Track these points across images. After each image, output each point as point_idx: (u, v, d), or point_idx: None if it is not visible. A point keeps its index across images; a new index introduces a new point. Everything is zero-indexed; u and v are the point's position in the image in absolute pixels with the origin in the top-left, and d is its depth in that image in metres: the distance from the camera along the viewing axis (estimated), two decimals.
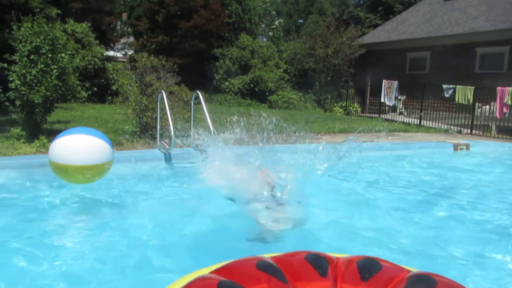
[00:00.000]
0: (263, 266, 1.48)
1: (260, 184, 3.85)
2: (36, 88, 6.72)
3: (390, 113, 16.71)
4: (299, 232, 3.52)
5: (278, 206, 3.62)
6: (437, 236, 3.66)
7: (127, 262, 2.92)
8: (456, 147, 8.67)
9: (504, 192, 5.46)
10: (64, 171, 3.97)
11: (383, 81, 16.21)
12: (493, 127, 13.02)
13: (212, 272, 1.49)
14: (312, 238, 3.48)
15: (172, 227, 3.66)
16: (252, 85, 20.47)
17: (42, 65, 6.70)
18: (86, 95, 9.65)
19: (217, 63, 21.61)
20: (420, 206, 4.65)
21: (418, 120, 14.26)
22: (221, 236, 3.48)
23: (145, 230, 3.53)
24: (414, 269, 1.59)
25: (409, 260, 3.04)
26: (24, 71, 6.69)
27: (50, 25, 7.18)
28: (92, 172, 4.00)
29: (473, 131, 12.57)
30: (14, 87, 6.76)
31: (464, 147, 8.77)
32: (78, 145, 3.90)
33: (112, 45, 23.61)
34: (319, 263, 1.54)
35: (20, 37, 6.83)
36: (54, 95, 6.96)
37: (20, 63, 6.76)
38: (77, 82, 7.66)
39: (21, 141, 6.78)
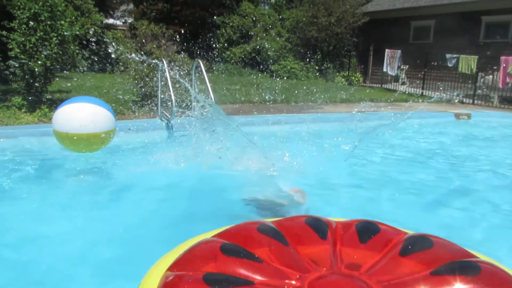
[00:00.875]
0: (265, 230, 1.53)
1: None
2: (36, 56, 6.67)
3: (393, 83, 16.58)
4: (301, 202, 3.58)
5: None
6: (436, 202, 3.72)
7: (130, 230, 2.98)
8: (457, 116, 8.66)
9: (501, 162, 5.51)
10: (67, 140, 4.00)
11: (386, 50, 15.99)
12: (495, 97, 12.95)
13: (214, 236, 1.54)
14: (314, 208, 3.54)
15: (173, 195, 3.72)
16: (253, 54, 20.23)
17: (42, 33, 6.63)
18: (86, 64, 9.58)
19: (218, 32, 21.29)
20: (420, 174, 4.70)
21: (421, 90, 14.17)
22: (222, 204, 3.55)
23: (147, 199, 3.59)
24: (411, 231, 1.63)
25: (408, 225, 3.10)
26: (23, 39, 6.62)
27: None
28: (95, 140, 4.03)
29: (475, 101, 12.51)
30: (14, 55, 6.71)
31: (466, 116, 8.76)
32: (80, 113, 3.92)
33: (111, 12, 23.22)
34: (319, 226, 1.59)
35: (19, 3, 6.72)
36: (54, 63, 6.92)
37: (19, 30, 6.68)
38: (77, 51, 7.59)
39: (23, 110, 6.79)
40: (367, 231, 1.58)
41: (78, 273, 2.40)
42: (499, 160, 5.65)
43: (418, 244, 1.48)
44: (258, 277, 1.27)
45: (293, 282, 1.30)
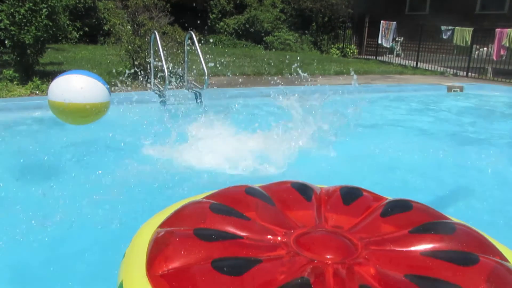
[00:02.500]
0: (252, 192, 1.60)
1: None
2: (26, 28, 6.58)
3: (387, 55, 16.51)
4: (286, 170, 3.66)
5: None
6: (424, 175, 3.81)
7: (120, 191, 3.05)
8: (450, 89, 8.70)
9: (491, 134, 5.60)
10: (62, 109, 3.99)
11: (381, 22, 15.84)
12: (489, 69, 12.96)
13: (204, 198, 1.61)
14: (302, 175, 3.62)
15: (166, 162, 3.78)
16: (247, 26, 19.96)
17: (31, 4, 6.51)
18: (77, 36, 9.45)
19: (211, 2, 20.91)
20: (409, 146, 4.78)
21: (415, 63, 14.14)
22: (213, 171, 3.62)
23: (141, 165, 3.65)
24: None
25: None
26: (12, 10, 6.51)
27: None
28: (90, 111, 4.03)
29: (469, 74, 12.53)
30: (3, 27, 6.60)
31: (458, 89, 8.81)
32: (77, 83, 3.91)
33: None
34: (304, 190, 1.66)
35: None
36: (45, 35, 6.82)
37: (7, 1, 6.56)
38: (68, 22, 7.48)
39: (15, 83, 6.75)
40: (350, 195, 1.66)
41: (69, 234, 2.48)
42: (490, 132, 5.73)
43: (398, 207, 1.56)
44: (246, 234, 1.34)
45: (279, 238, 1.37)
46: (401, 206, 1.57)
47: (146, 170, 3.60)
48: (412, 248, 1.36)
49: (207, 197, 1.58)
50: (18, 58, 6.93)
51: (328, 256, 1.29)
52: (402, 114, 6.83)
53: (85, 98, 3.89)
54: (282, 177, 3.34)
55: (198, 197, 1.66)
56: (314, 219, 1.52)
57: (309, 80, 9.08)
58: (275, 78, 9.13)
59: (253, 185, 1.73)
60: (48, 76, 6.87)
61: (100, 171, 3.50)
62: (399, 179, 3.73)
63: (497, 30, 12.36)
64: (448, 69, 12.95)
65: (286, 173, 3.58)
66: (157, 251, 1.25)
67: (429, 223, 1.48)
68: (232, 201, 1.51)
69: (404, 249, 1.37)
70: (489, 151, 4.76)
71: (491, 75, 12.67)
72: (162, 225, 1.37)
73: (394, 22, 15.53)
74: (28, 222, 2.60)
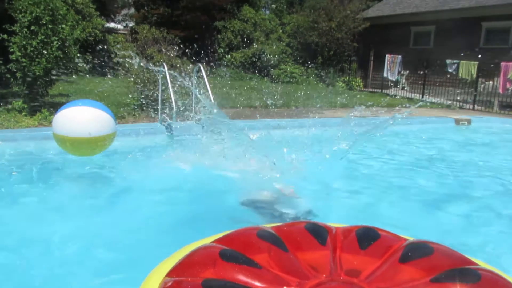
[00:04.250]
0: (264, 235, 1.52)
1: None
2: (37, 60, 6.68)
3: (393, 88, 16.60)
4: (300, 204, 3.57)
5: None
6: (436, 207, 3.72)
7: (129, 234, 2.97)
8: (457, 122, 8.66)
9: (502, 167, 5.50)
10: (68, 143, 4.00)
11: (386, 55, 16.02)
12: (496, 103, 12.96)
13: (213, 242, 1.53)
14: (314, 211, 3.54)
15: (173, 199, 3.71)
16: (254, 59, 20.26)
17: (43, 36, 6.64)
18: (87, 68, 9.59)
19: (219, 36, 21.34)
20: (420, 179, 4.69)
21: (421, 95, 14.19)
22: (222, 208, 3.54)
23: (146, 203, 3.58)
24: (411, 238, 1.63)
25: (407, 231, 3.10)
26: (24, 42, 6.63)
27: None
28: (95, 144, 4.03)
29: (475, 107, 12.52)
30: (14, 58, 6.72)
31: (466, 122, 8.76)
32: (81, 117, 3.92)
33: (112, 16, 23.29)
34: (318, 232, 1.58)
35: (20, 7, 6.74)
36: (55, 67, 6.92)
37: (20, 34, 6.70)
38: (78, 54, 7.60)
39: (23, 113, 6.80)
40: (367, 237, 1.58)
41: (77, 277, 2.39)
42: (499, 166, 5.64)
43: (418, 251, 1.48)
44: (257, 284, 1.26)
45: None
46: (421, 250, 1.48)
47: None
48: None
49: (217, 241, 1.51)
50: (28, 90, 7.01)
51: None
52: (410, 146, 6.76)
53: (91, 132, 3.88)
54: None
55: (209, 239, 1.58)
56: (329, 265, 1.44)
57: (316, 112, 9.10)
58: (282, 110, 9.15)
59: (265, 226, 1.66)
60: (57, 107, 6.92)
61: (104, 205, 3.44)
62: (411, 213, 3.63)
63: (502, 63, 12.43)
64: (454, 102, 12.96)
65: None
66: None
67: (452, 270, 1.39)
68: (243, 246, 1.43)
69: None
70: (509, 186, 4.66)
71: (497, 109, 12.65)
72: (170, 273, 1.30)
73: (399, 56, 15.69)
74: (28, 262, 2.52)
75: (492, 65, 12.97)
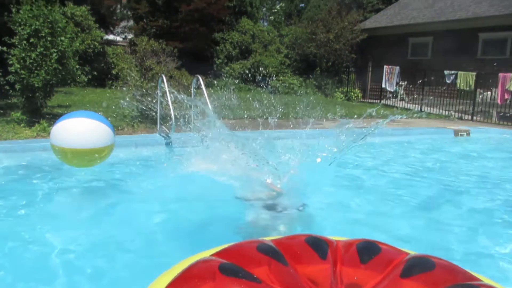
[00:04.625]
0: (264, 249, 1.50)
1: (264, 189, 3.86)
2: (36, 71, 6.69)
3: (391, 99, 16.66)
4: (299, 216, 3.55)
5: (280, 212, 3.63)
6: (436, 220, 3.69)
7: (128, 246, 2.95)
8: (456, 133, 8.66)
9: (503, 178, 5.48)
10: (66, 154, 3.99)
11: (385, 66, 16.11)
12: (494, 113, 13.00)
13: (213, 255, 1.51)
14: (312, 222, 3.51)
15: (172, 211, 3.69)
16: (252, 70, 20.36)
17: (42, 49, 6.67)
18: (86, 80, 9.61)
19: (217, 48, 21.46)
20: (420, 192, 4.67)
21: (419, 106, 14.23)
22: (222, 220, 3.51)
23: (145, 215, 3.56)
24: (413, 252, 1.61)
25: (408, 244, 3.07)
26: (23, 55, 6.65)
27: (49, 8, 7.11)
28: (93, 155, 4.02)
29: (474, 118, 12.55)
30: (14, 70, 6.73)
31: (465, 133, 8.77)
32: (79, 128, 3.91)
33: (111, 28, 23.44)
34: (319, 246, 1.56)
35: (19, 20, 6.78)
36: (54, 79, 6.94)
37: (19, 46, 6.72)
38: (77, 66, 7.62)
39: (22, 125, 6.79)
40: (367, 251, 1.56)
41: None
42: (500, 177, 5.62)
43: (419, 266, 1.45)
44: None
45: None
46: (422, 265, 1.46)
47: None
48: None
49: (216, 254, 1.49)
50: (26, 101, 7.01)
51: None
52: (409, 157, 6.75)
53: (88, 143, 3.87)
54: None
55: (208, 252, 1.56)
56: (329, 279, 1.42)
57: (315, 123, 9.09)
58: (281, 121, 9.15)
59: (266, 239, 1.64)
60: (55, 118, 6.92)
61: (105, 217, 3.41)
62: (411, 225, 3.60)
63: (500, 74, 12.50)
64: (453, 113, 13.00)
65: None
66: None
67: (454, 285, 1.37)
68: (243, 260, 1.41)
69: None
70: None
71: (496, 119, 12.69)
72: (169, 287, 1.28)
73: (397, 67, 15.78)
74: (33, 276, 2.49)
75: (489, 79, 13.04)
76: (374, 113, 4.10)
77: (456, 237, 3.30)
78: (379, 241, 1.65)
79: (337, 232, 3.20)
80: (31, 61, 6.64)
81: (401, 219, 3.70)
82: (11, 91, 7.02)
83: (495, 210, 4.09)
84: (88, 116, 4.14)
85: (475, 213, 4.00)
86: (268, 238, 1.68)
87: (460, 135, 8.67)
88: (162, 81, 6.16)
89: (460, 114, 12.80)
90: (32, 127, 6.59)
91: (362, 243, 1.60)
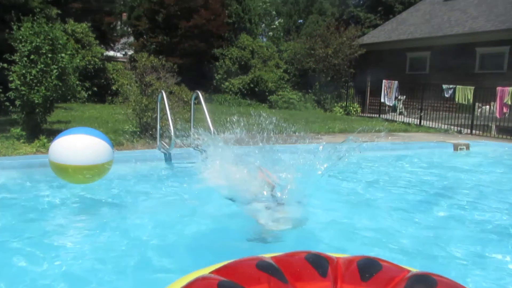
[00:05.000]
0: (263, 266, 1.48)
1: (260, 184, 3.85)
2: (36, 88, 6.72)
3: (390, 113, 16.71)
4: (299, 232, 3.52)
5: (278, 206, 3.62)
6: (437, 236, 3.66)
7: (127, 262, 2.92)
8: (456, 147, 8.67)
9: (504, 192, 5.46)
10: (64, 171, 3.98)
11: (383, 81, 16.22)
12: (493, 127, 13.03)
13: (212, 272, 1.49)
14: (312, 238, 3.49)
15: (172, 227, 3.66)
16: (252, 85, 20.48)
17: (42, 65, 6.70)
18: (86, 95, 9.66)
19: (217, 63, 21.62)
20: (420, 206, 4.64)
21: (418, 120, 14.27)
22: (221, 236, 3.48)
23: (145, 230, 3.53)
24: (414, 269, 1.59)
25: (409, 260, 3.04)
26: (24, 71, 6.69)
27: (50, 25, 7.18)
28: (92, 172, 4.01)
29: (473, 131, 12.58)
30: (14, 87, 6.76)
31: (464, 147, 8.77)
32: (78, 145, 3.91)
33: (112, 45, 23.62)
34: (319, 263, 1.55)
35: (20, 37, 6.83)
36: (54, 95, 6.96)
37: (20, 63, 6.76)
38: (77, 82, 7.66)
39: (21, 141, 6.78)
40: (368, 268, 1.54)
41: None
42: (501, 190, 5.60)
43: (421, 283, 1.44)
44: None
45: None
46: (424, 283, 1.44)
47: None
48: None
49: (215, 271, 1.47)
50: (26, 117, 7.02)
51: None
52: (410, 172, 6.73)
53: (88, 160, 3.86)
54: None
55: (207, 269, 1.54)
56: None
57: (314, 138, 9.11)
58: (280, 136, 9.16)
59: (265, 256, 1.62)
60: (55, 134, 6.92)
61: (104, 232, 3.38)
62: (412, 241, 3.57)
63: (498, 88, 12.57)
64: (452, 127, 13.03)
65: None
66: None
67: None
68: (242, 277, 1.39)
69: None
70: None
71: (495, 133, 12.71)
72: None
73: (396, 81, 15.88)
74: None
75: (488, 93, 13.11)
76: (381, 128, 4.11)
77: (457, 254, 3.27)
78: (380, 258, 1.64)
79: (337, 248, 3.18)
80: (31, 77, 6.67)
81: (401, 234, 3.67)
82: (11, 107, 7.03)
83: (497, 224, 4.06)
84: (86, 132, 4.14)
85: (477, 228, 3.97)
86: (267, 255, 1.67)
87: (460, 149, 8.67)
88: (162, 97, 6.18)
89: (459, 128, 12.82)
90: (32, 143, 6.59)
91: (363, 260, 1.58)
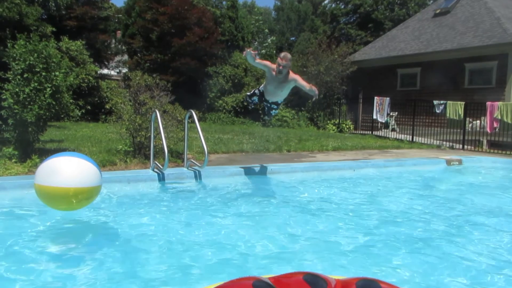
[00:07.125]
0: (260, 286, 1.47)
1: None
2: (29, 106, 6.69)
3: (383, 130, 16.84)
4: (295, 253, 3.50)
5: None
6: (435, 255, 3.65)
7: (119, 285, 2.87)
8: (448, 162, 8.73)
9: (497, 207, 5.49)
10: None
11: (375, 97, 16.38)
12: (484, 142, 13.17)
13: None
14: (307, 260, 3.46)
15: (166, 247, 3.62)
16: (245, 103, 20.54)
17: (36, 84, 6.68)
18: (79, 114, 9.61)
19: (210, 81, 21.73)
20: (414, 223, 4.64)
21: (411, 137, 14.38)
22: (216, 256, 3.45)
23: (137, 252, 3.49)
24: None
25: (403, 280, 3.03)
26: (17, 90, 6.66)
27: (44, 43, 7.18)
28: (80, 196, 3.83)
29: (465, 146, 12.69)
30: (7, 105, 6.72)
31: (457, 162, 8.83)
32: (68, 167, 3.76)
33: (106, 63, 23.71)
34: (317, 284, 1.53)
35: (14, 55, 6.82)
36: (47, 113, 6.92)
37: (13, 81, 6.74)
38: (71, 101, 7.63)
39: (13, 160, 6.71)
40: None
41: None
42: (497, 205, 5.63)
43: None
44: None
45: None
46: None
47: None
48: None
49: None
50: (19, 136, 6.96)
51: None
52: (403, 189, 6.75)
53: (75, 183, 3.71)
54: None
55: None
56: None
57: (308, 156, 9.13)
58: (273, 154, 9.18)
59: (262, 276, 1.61)
60: (48, 154, 6.87)
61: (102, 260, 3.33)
62: (410, 262, 3.56)
63: (488, 103, 12.74)
64: (444, 142, 13.13)
65: None
66: None
67: None
68: None
69: None
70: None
71: (487, 147, 12.84)
72: None
73: (388, 98, 16.05)
74: None
75: (478, 108, 13.28)
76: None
77: (454, 272, 3.26)
78: (379, 279, 1.63)
79: (327, 269, 3.16)
80: (24, 96, 6.64)
81: (398, 254, 3.66)
82: (3, 126, 6.97)
83: (499, 242, 4.07)
84: (75, 156, 3.99)
85: (468, 243, 3.97)
86: (265, 276, 1.65)
87: (452, 164, 8.73)
88: (156, 116, 6.18)
89: (451, 144, 12.93)
90: (24, 163, 6.52)
91: (362, 282, 1.57)
